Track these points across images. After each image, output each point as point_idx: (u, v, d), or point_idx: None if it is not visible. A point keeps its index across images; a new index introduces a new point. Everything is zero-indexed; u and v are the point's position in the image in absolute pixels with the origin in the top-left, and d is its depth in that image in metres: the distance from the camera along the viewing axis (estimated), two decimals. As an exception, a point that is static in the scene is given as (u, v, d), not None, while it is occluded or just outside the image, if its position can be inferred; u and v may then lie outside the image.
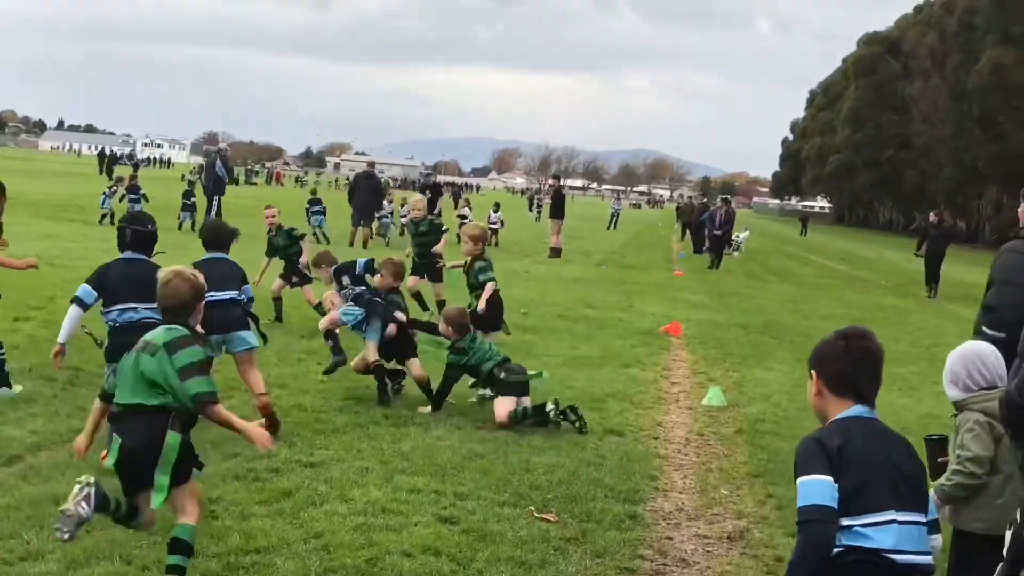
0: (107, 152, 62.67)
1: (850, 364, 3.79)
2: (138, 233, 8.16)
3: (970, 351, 5.08)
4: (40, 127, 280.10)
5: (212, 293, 8.29)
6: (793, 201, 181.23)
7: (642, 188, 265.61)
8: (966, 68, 76.18)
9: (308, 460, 7.66)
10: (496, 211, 36.51)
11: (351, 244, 28.63)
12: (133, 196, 30.86)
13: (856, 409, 3.79)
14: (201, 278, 5.66)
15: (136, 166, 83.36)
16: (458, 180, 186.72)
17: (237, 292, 8.88)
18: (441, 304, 14.70)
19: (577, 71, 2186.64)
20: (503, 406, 9.25)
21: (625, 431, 9.49)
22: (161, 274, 5.63)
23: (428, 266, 15.57)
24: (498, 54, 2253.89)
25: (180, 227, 28.82)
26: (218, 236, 9.50)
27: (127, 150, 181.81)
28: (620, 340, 14.97)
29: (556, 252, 31.65)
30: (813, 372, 3.89)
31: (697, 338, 15.97)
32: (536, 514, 6.90)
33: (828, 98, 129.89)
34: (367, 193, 30.56)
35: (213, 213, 28.10)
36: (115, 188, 32.63)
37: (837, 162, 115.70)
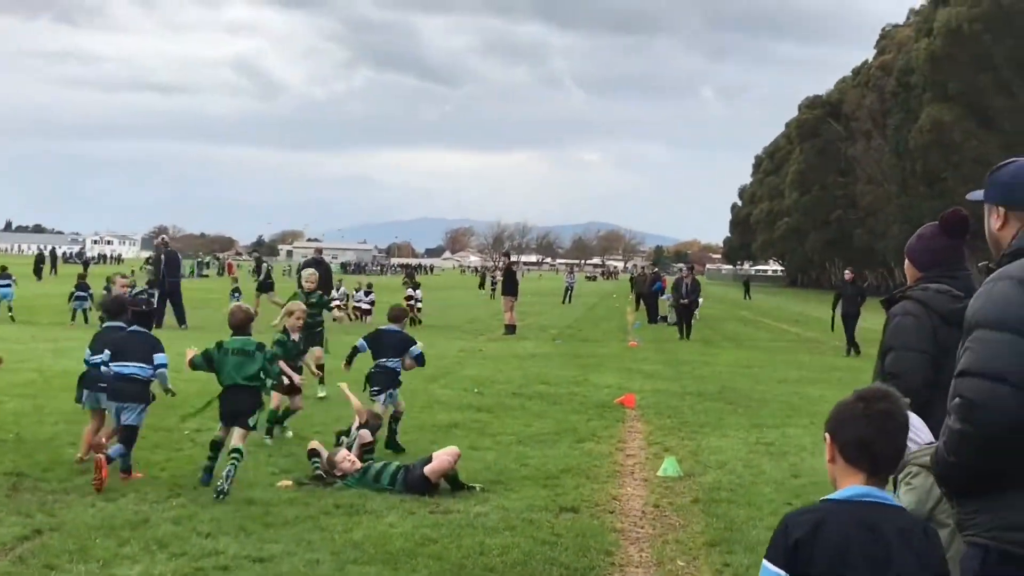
0: (45, 254, 61.14)
1: (868, 429, 3.34)
2: (136, 313, 11.96)
3: None
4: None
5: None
6: (746, 266, 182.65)
7: (596, 260, 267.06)
8: (907, 126, 77.42)
9: (258, 555, 7.52)
10: (416, 289, 37.45)
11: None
12: (81, 294, 30.65)
13: (854, 490, 3.32)
14: (251, 309, 11.32)
15: (86, 264, 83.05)
16: (412, 261, 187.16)
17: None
18: (320, 367, 15.30)
19: (526, 147, 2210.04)
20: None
21: (580, 507, 9.42)
22: (229, 307, 11.03)
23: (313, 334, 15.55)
24: (446, 135, 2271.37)
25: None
26: (116, 308, 11.38)
27: (76, 248, 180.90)
28: (575, 415, 14.91)
29: (511, 329, 31.61)
30: (827, 436, 3.46)
31: (652, 408, 15.94)
32: (490, 598, 6.80)
33: (774, 163, 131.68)
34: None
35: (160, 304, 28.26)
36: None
37: (786, 225, 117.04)
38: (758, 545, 7.87)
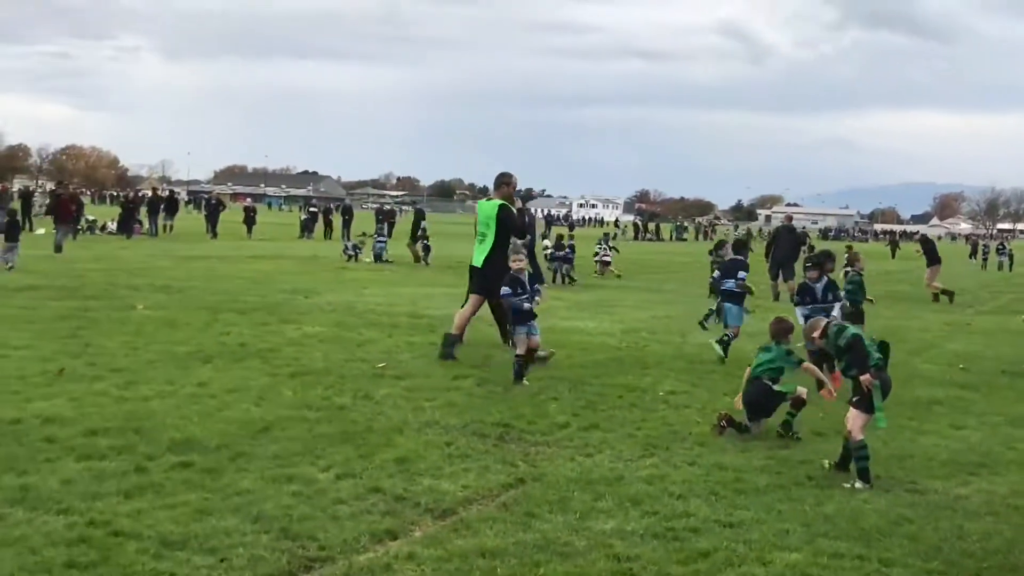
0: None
1: None
2: (738, 246, 17.17)
3: None
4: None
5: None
6: None
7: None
8: None
9: (727, 520, 7.57)
10: (605, 242, 38.29)
11: (776, 299, 27.89)
12: (557, 254, 32.19)
13: None
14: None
15: (571, 226, 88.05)
16: (896, 228, 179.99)
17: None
18: None
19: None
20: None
21: (1078, 498, 8.69)
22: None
23: None
24: (939, 95, 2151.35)
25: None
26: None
27: (564, 211, 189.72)
28: (1074, 397, 13.72)
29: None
30: None
31: None
32: (969, 585, 6.45)
33: None
34: (788, 246, 29.99)
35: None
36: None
37: None
38: None
